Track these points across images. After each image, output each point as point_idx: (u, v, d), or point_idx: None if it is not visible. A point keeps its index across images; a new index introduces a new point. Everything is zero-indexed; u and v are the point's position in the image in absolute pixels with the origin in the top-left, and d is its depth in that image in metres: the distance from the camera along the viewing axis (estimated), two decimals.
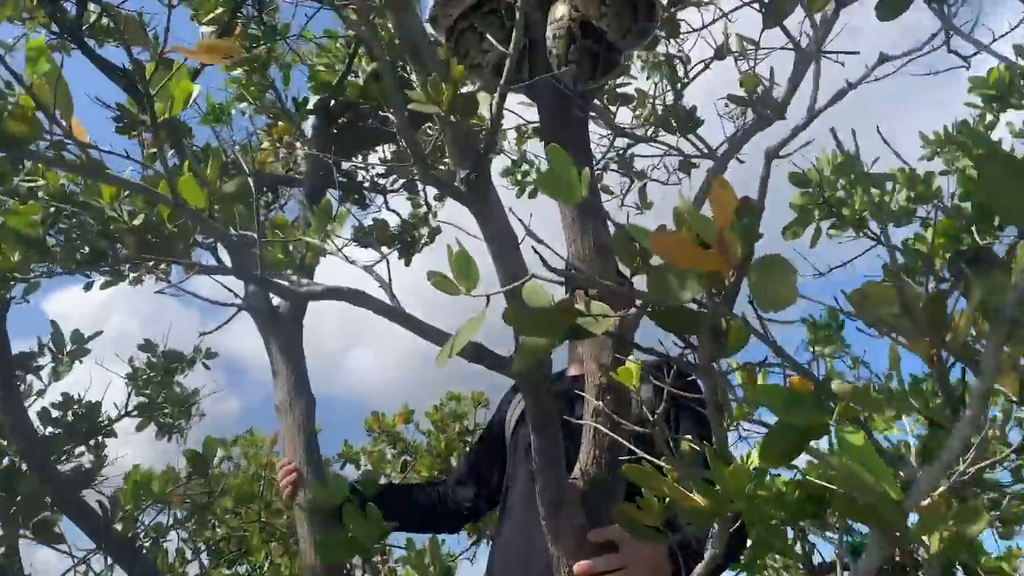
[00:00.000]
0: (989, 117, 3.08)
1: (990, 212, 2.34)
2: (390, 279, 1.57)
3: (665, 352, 1.07)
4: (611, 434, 1.70)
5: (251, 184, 1.48)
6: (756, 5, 1.62)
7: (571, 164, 0.87)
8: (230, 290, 2.25)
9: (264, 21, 3.78)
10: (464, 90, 1.35)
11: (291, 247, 1.84)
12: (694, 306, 0.89)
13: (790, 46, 1.65)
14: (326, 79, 3.78)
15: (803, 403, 0.82)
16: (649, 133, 2.83)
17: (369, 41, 1.23)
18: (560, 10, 1.82)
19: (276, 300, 2.86)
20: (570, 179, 0.86)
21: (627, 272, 1.01)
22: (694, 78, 1.94)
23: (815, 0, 1.45)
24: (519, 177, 5.33)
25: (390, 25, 1.37)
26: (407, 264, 5.25)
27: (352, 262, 1.79)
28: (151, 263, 2.09)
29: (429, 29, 2.14)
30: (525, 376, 1.56)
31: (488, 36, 1.62)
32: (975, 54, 2.04)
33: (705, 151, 1.76)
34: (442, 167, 4.42)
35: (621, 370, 1.28)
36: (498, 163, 5.45)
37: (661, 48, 3.38)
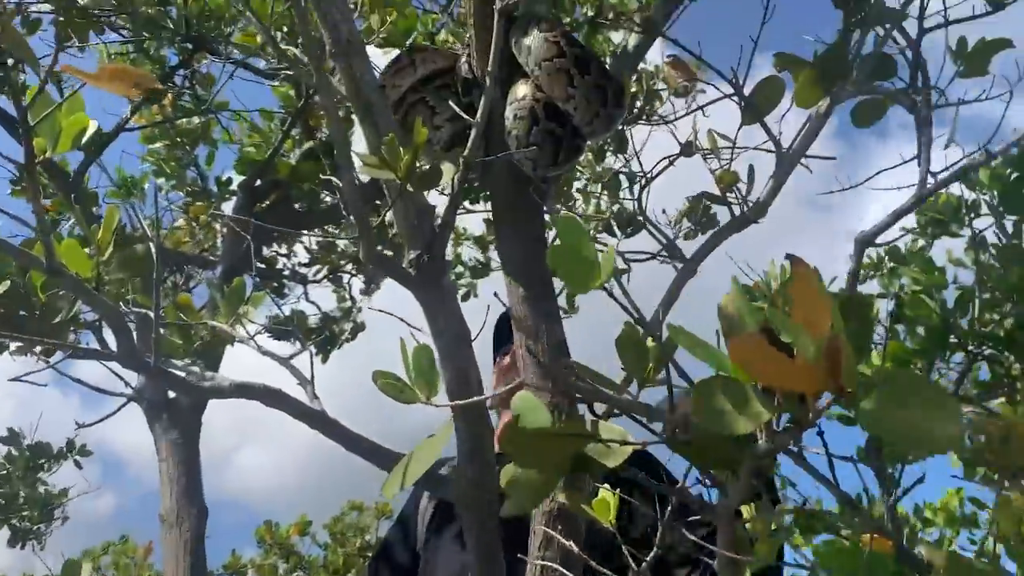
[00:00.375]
0: (921, 242, 3.09)
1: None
2: (312, 376, 1.32)
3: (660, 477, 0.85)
4: (561, 570, 1.45)
5: (153, 253, 1.22)
6: (736, 98, 1.50)
7: (587, 237, 0.67)
8: (119, 376, 1.93)
9: (197, 94, 3.55)
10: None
11: (195, 333, 1.56)
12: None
13: (769, 144, 1.54)
14: (255, 158, 3.55)
15: (884, 571, 0.61)
16: (593, 233, 2.69)
17: (321, 90, 1.03)
18: (521, 90, 1.67)
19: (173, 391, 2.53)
20: (586, 254, 0.66)
21: (633, 381, 0.80)
22: (659, 174, 1.81)
23: (807, 96, 1.34)
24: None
25: (340, 78, 1.18)
26: (324, 361, 4.91)
27: (265, 352, 1.52)
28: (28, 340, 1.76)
29: None
30: (468, 500, 1.31)
31: (451, 103, 1.45)
32: (944, 170, 2.01)
33: (664, 251, 1.60)
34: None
35: (596, 503, 1.05)
36: None
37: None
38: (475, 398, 1.00)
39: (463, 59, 1.79)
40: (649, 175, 1.76)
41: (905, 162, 1.84)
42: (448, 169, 1.09)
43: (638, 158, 1.81)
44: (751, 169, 1.52)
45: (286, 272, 4.60)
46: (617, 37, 3.53)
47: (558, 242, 0.69)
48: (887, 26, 1.43)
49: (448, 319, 1.25)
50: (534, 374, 1.61)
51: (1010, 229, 2.41)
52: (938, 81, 1.67)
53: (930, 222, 2.61)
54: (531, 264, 1.73)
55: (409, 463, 0.75)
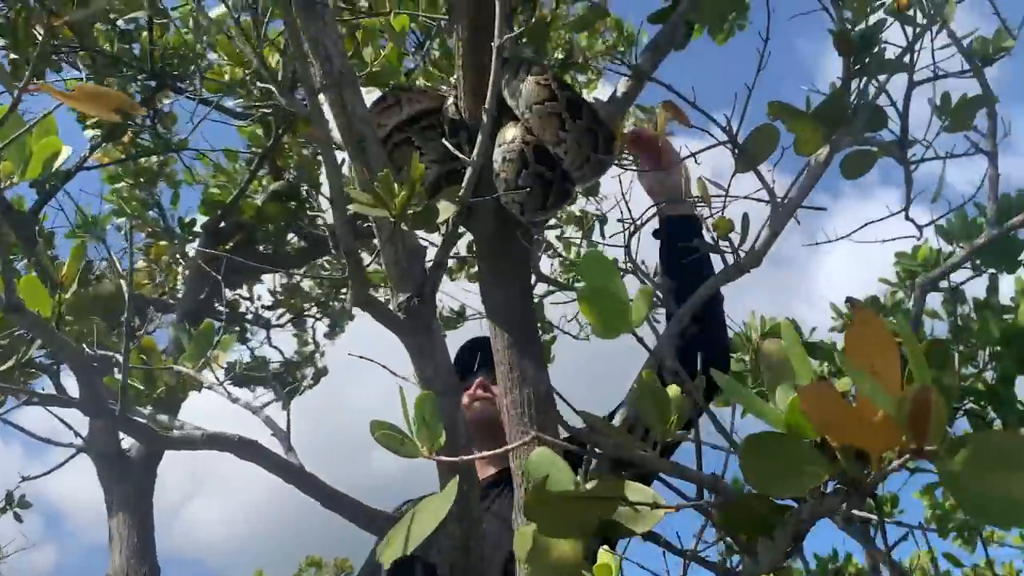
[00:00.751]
0: (900, 294, 3.10)
1: None
2: (288, 426, 1.23)
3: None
4: None
5: (124, 290, 1.14)
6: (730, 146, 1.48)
7: (616, 276, 0.61)
8: (68, 425, 1.81)
9: (159, 132, 3.46)
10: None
11: (159, 378, 1.46)
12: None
13: (762, 193, 1.52)
14: (219, 199, 3.46)
15: None
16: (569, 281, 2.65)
17: (315, 121, 0.97)
18: (510, 133, 1.63)
19: (127, 442, 2.39)
20: (617, 295, 0.60)
21: (654, 436, 0.74)
22: (648, 220, 1.77)
23: (807, 143, 1.32)
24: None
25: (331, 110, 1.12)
26: (284, 408, 4.74)
27: (235, 400, 1.43)
28: None
29: None
30: (455, 562, 1.22)
31: (446, 143, 1.40)
32: (930, 224, 2.01)
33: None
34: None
35: (598, 567, 0.97)
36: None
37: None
38: (471, 456, 0.93)
39: (450, 100, 1.75)
40: (639, 222, 1.72)
41: (893, 214, 1.84)
42: (445, 208, 1.03)
43: (627, 203, 1.77)
44: (745, 218, 1.49)
45: (249, 316, 4.48)
46: (583, 79, 3.57)
47: (584, 282, 0.64)
48: (881, 77, 1.43)
49: (437, 367, 1.18)
50: (519, 427, 1.54)
51: (986, 282, 2.43)
52: (925, 135, 1.69)
53: (909, 274, 2.61)
54: (517, 311, 1.67)
55: (411, 524, 0.67)
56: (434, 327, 1.18)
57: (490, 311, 1.66)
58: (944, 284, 2.64)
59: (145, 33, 2.90)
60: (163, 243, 3.97)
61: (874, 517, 0.58)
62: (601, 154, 1.63)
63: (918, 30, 1.42)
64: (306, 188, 3.02)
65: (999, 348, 2.20)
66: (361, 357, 1.36)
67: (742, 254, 1.53)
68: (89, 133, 3.33)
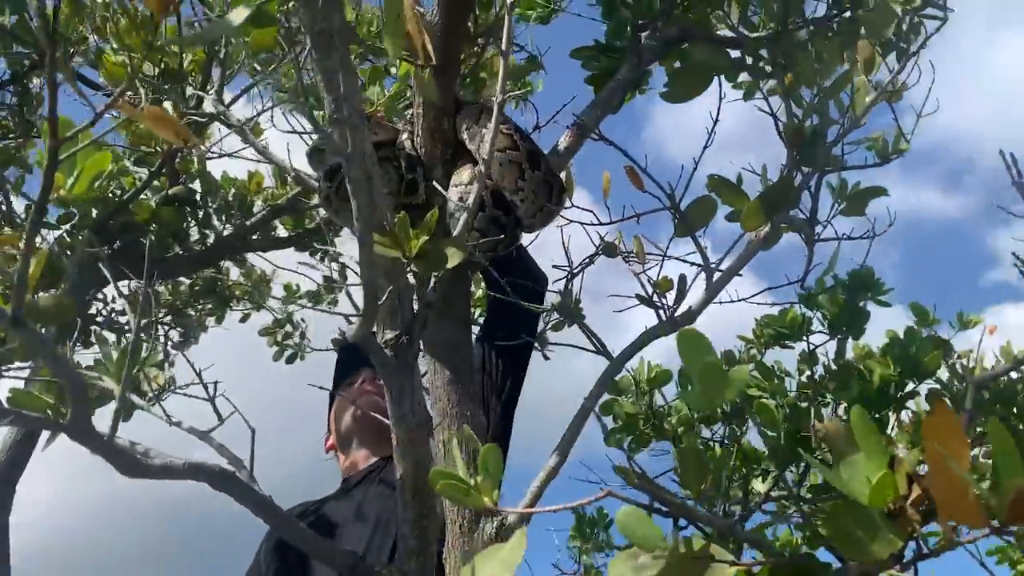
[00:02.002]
0: (753, 351, 3.39)
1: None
2: (253, 451, 1.20)
3: None
4: None
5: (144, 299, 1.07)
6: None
7: (712, 350, 0.68)
8: None
9: (24, 114, 3.17)
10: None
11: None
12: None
13: (696, 257, 1.65)
14: (86, 188, 3.22)
15: None
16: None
17: (355, 161, 0.97)
18: (466, 174, 1.68)
19: None
20: (720, 369, 0.67)
21: (690, 498, 0.81)
22: (581, 270, 1.86)
23: (751, 221, 1.46)
24: (279, 339, 4.86)
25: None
26: (125, 419, 4.44)
27: (176, 424, 1.37)
28: None
29: (308, 167, 1.89)
30: None
31: (435, 185, 1.42)
32: (823, 291, 2.24)
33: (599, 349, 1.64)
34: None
35: None
36: (256, 319, 4.98)
37: None
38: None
39: (404, 135, 1.77)
40: (573, 271, 1.81)
41: (791, 283, 2.05)
42: (454, 254, 1.06)
43: (567, 253, 1.86)
44: (683, 279, 1.61)
45: (100, 319, 4.18)
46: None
47: (686, 361, 0.70)
48: (807, 170, 1.61)
49: (414, 406, 1.20)
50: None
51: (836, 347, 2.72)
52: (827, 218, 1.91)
53: (775, 335, 2.87)
54: (458, 347, 1.71)
55: (488, 572, 0.70)
56: (415, 366, 1.20)
57: (432, 348, 1.68)
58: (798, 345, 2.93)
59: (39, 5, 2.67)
60: (7, 233, 3.62)
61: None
62: (553, 205, 1.71)
63: (841, 129, 1.61)
64: (200, 195, 2.88)
65: (855, 405, 2.47)
66: (321, 388, 1.35)
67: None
68: None
